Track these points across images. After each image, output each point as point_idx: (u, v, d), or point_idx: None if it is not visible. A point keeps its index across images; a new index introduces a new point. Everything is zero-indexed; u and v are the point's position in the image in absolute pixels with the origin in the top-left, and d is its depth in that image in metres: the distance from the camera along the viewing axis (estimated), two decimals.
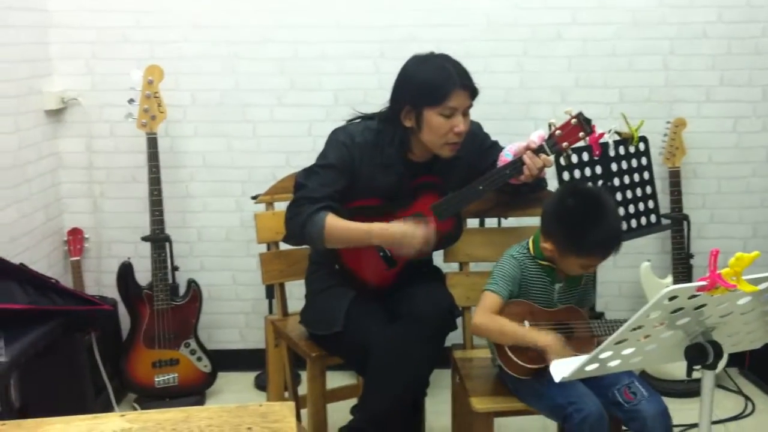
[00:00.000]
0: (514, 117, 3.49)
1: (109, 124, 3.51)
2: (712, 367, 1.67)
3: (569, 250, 2.20)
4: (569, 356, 2.13)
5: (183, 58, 3.49)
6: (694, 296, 1.53)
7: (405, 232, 2.36)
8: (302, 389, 2.85)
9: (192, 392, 3.41)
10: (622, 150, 2.80)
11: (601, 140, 2.56)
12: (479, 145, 2.56)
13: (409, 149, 2.47)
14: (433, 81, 2.33)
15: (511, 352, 2.22)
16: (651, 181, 2.86)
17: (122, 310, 3.39)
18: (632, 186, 2.81)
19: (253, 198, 2.99)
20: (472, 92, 2.36)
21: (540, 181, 2.52)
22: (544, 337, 2.19)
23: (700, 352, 1.65)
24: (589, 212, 2.19)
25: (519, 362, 2.21)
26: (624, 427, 2.27)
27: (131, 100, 3.24)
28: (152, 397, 3.34)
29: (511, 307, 2.27)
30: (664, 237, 3.52)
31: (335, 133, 2.49)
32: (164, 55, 3.42)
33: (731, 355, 3.41)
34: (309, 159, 2.53)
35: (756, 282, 1.52)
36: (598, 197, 2.25)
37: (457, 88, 2.32)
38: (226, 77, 3.52)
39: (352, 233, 2.39)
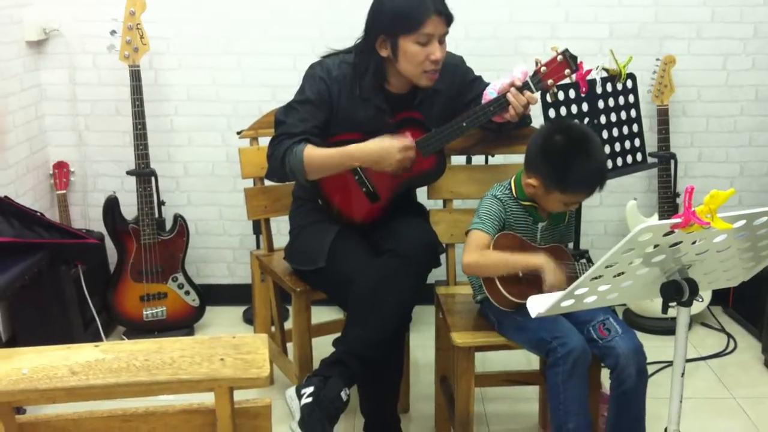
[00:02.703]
0: (502, 53, 3.45)
1: (92, 55, 3.46)
2: (688, 304, 1.68)
3: (554, 187, 2.20)
4: (563, 275, 2.17)
5: None
6: (670, 233, 1.53)
7: (383, 145, 2.34)
8: (289, 324, 2.88)
9: (181, 326, 3.44)
10: (609, 87, 2.79)
11: (588, 77, 2.53)
12: (461, 79, 2.53)
13: (385, 80, 2.45)
14: (407, 8, 2.29)
15: (501, 283, 2.23)
16: (638, 119, 2.86)
17: (109, 243, 3.39)
18: (619, 124, 2.80)
19: (238, 133, 2.97)
20: (448, 18, 2.33)
21: (525, 118, 2.49)
22: (536, 258, 2.21)
23: (675, 289, 1.66)
24: (576, 149, 2.18)
25: (507, 294, 2.21)
26: (602, 364, 2.30)
27: (113, 32, 3.20)
28: (141, 331, 3.37)
29: (500, 240, 2.27)
30: (651, 175, 3.52)
31: (312, 68, 2.47)
32: None
33: (715, 294, 3.47)
34: (294, 93, 2.50)
35: (731, 220, 1.53)
36: (586, 134, 2.23)
37: (433, 15, 2.29)
38: (210, 8, 3.46)
39: (331, 159, 2.38)
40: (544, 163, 2.21)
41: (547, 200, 2.26)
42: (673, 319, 1.74)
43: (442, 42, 2.35)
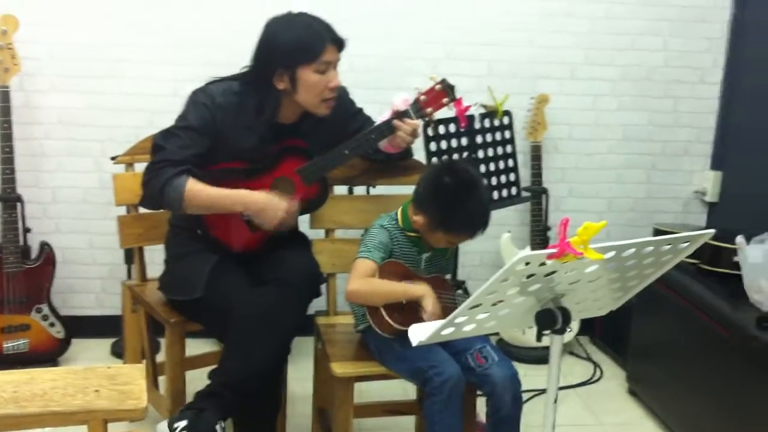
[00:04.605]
0: (385, 86, 3.47)
1: None
2: (561, 332, 1.73)
3: (439, 227, 2.24)
4: (440, 308, 2.19)
5: (41, 8, 3.28)
6: (545, 263, 1.57)
7: (268, 201, 2.34)
8: (161, 357, 2.78)
9: (44, 359, 3.25)
10: (487, 123, 2.87)
11: (468, 112, 2.61)
12: (344, 109, 2.55)
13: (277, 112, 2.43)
14: (304, 38, 2.32)
15: (384, 309, 2.23)
16: (513, 155, 2.95)
17: None
18: (496, 158, 2.89)
19: (113, 158, 2.87)
20: (340, 45, 2.37)
21: (407, 151, 2.56)
22: (418, 288, 2.23)
23: (549, 318, 1.71)
24: (463, 193, 2.22)
25: (389, 321, 2.23)
26: (479, 392, 2.33)
27: None
28: (1, 364, 3.17)
29: (386, 267, 2.29)
30: (524, 209, 3.64)
31: (195, 94, 2.42)
32: (20, 4, 3.20)
33: (582, 324, 3.60)
34: (173, 120, 2.44)
35: (602, 251, 1.59)
36: (474, 178, 2.28)
37: (328, 43, 2.32)
38: (86, 30, 3.35)
39: (213, 199, 2.34)
40: (431, 203, 2.25)
41: (431, 237, 2.30)
42: (544, 348, 1.79)
43: (336, 68, 2.38)
